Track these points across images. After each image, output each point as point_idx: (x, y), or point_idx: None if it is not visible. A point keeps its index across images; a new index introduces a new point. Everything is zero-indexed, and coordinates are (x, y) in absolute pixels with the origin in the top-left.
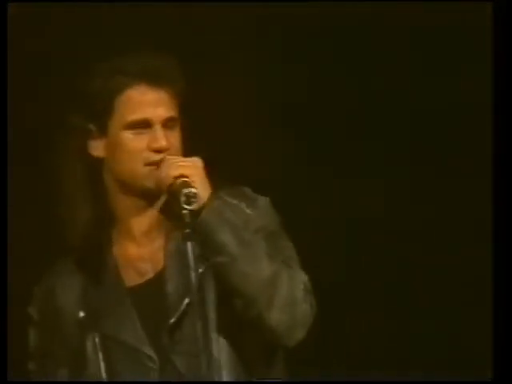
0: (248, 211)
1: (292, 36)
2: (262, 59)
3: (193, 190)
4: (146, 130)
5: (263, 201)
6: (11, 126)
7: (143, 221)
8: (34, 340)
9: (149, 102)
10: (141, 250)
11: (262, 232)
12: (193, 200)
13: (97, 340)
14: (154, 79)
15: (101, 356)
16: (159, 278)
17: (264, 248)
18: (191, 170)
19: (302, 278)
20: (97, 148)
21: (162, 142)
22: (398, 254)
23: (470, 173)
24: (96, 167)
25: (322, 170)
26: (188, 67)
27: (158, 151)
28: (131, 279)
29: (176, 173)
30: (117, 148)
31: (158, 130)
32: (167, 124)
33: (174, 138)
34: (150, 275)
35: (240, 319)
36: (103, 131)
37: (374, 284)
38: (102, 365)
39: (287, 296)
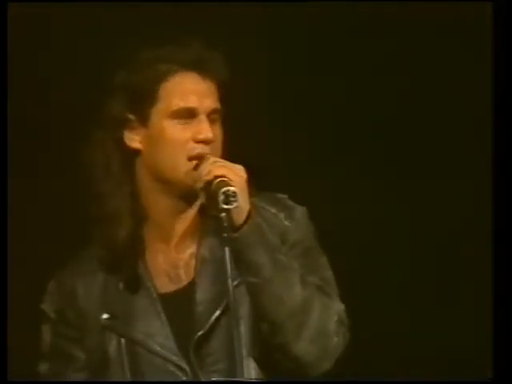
0: (286, 223)
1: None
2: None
3: (232, 188)
4: (190, 120)
5: (300, 211)
6: (11, 125)
7: (178, 223)
8: (47, 339)
9: (196, 91)
10: (174, 255)
11: (299, 247)
12: (232, 199)
13: (123, 344)
14: (203, 68)
15: (126, 361)
16: (191, 287)
17: (298, 271)
18: (234, 177)
19: (337, 307)
20: (135, 139)
21: (208, 133)
22: (398, 253)
23: (470, 173)
24: (131, 161)
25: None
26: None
27: (203, 142)
28: (163, 285)
29: (218, 172)
30: (158, 139)
31: (204, 121)
32: (211, 116)
33: (217, 132)
34: (183, 283)
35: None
36: (144, 121)
37: (373, 283)
38: (127, 370)
39: (318, 327)
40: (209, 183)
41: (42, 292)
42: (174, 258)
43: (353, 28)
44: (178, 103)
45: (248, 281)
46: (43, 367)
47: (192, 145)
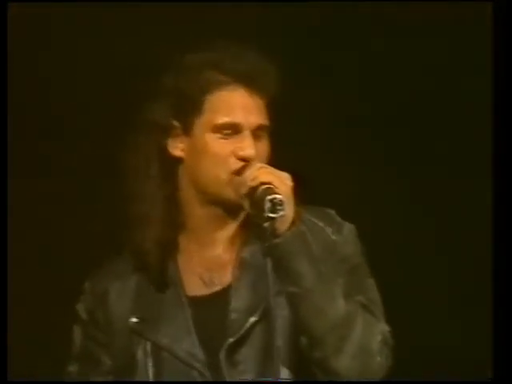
0: (333, 237)
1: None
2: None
3: (279, 196)
4: (234, 135)
5: (348, 228)
6: (11, 125)
7: (218, 232)
8: (78, 340)
9: (242, 106)
10: (210, 260)
11: (346, 263)
12: (278, 208)
13: (148, 348)
14: (254, 83)
15: (151, 365)
16: (226, 292)
17: (341, 285)
18: (281, 185)
19: (382, 327)
20: (178, 147)
21: (251, 151)
22: (398, 253)
23: (470, 172)
24: (173, 167)
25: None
26: None
27: (244, 160)
28: (195, 288)
29: (265, 179)
30: (201, 151)
31: (247, 137)
32: (256, 132)
33: (262, 149)
34: (217, 287)
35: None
36: (187, 130)
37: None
38: (151, 374)
39: (360, 343)
40: (253, 189)
41: (42, 292)
42: (210, 262)
43: (352, 28)
44: (223, 118)
45: (288, 290)
46: (72, 368)
47: (233, 160)
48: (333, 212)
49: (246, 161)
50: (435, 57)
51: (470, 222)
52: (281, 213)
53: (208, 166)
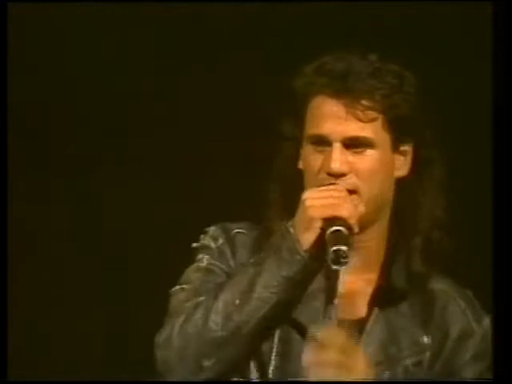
0: (473, 325)
1: None
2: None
3: (343, 248)
4: (326, 147)
5: (488, 322)
6: (11, 126)
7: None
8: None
9: (333, 116)
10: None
11: (479, 363)
12: (342, 260)
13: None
14: (346, 88)
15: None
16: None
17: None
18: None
19: None
20: (299, 159)
21: (336, 164)
22: None
23: (469, 172)
24: (297, 181)
25: None
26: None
27: (333, 175)
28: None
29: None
30: (303, 164)
31: (336, 149)
32: (352, 144)
33: (361, 164)
34: (362, 314)
35: None
36: (301, 141)
37: None
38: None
39: None
40: (323, 229)
41: (41, 292)
42: (353, 286)
43: (352, 28)
44: (312, 129)
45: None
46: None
47: (323, 175)
48: (471, 294)
49: (335, 176)
50: (435, 57)
51: (470, 222)
52: (344, 266)
53: (305, 182)
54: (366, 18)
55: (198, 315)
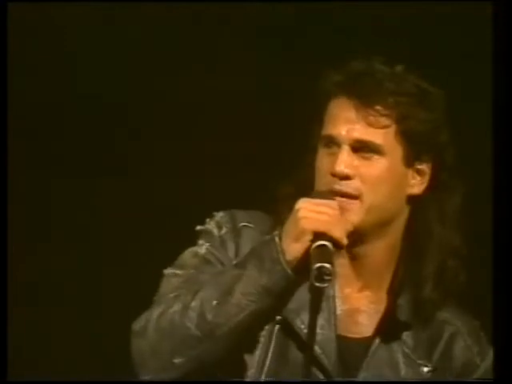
0: (477, 360)
1: None
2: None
3: (327, 265)
4: (337, 149)
5: (491, 355)
6: (11, 126)
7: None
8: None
9: (344, 118)
10: (361, 299)
11: None
12: (326, 278)
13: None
14: (360, 91)
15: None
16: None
17: None
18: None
19: None
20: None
21: (341, 166)
22: None
23: (470, 172)
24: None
25: None
26: None
27: (339, 178)
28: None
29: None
30: (316, 164)
31: (343, 152)
32: (360, 148)
33: (368, 169)
34: (368, 333)
35: None
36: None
37: None
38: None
39: None
40: (310, 244)
41: (41, 292)
42: (361, 302)
43: (352, 28)
44: (323, 130)
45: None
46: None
47: (329, 178)
48: (478, 325)
49: (341, 179)
50: (435, 57)
51: (470, 222)
52: (326, 284)
53: (315, 182)
54: (366, 18)
55: (175, 308)
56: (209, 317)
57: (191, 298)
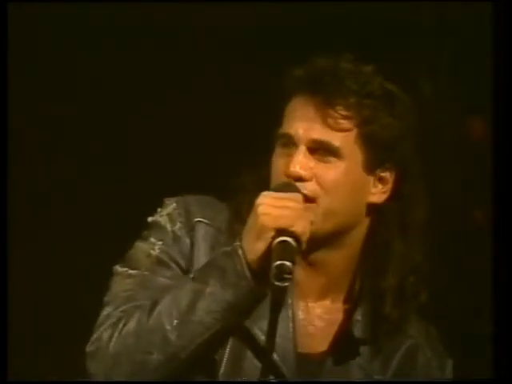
0: (436, 372)
1: None
2: None
3: (287, 263)
4: (292, 149)
5: (450, 366)
6: (11, 126)
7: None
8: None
9: (303, 116)
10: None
11: None
12: (286, 276)
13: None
14: (320, 89)
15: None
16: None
17: None
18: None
19: None
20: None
21: (295, 167)
22: None
23: (469, 171)
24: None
25: None
26: None
27: (293, 179)
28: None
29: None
30: (272, 164)
31: (299, 152)
32: (318, 149)
33: (324, 172)
34: (323, 348)
35: None
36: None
37: None
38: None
39: None
40: (272, 239)
41: (41, 292)
42: (318, 312)
43: (351, 28)
44: (281, 128)
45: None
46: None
47: (284, 179)
48: (435, 332)
49: (295, 180)
50: (435, 57)
51: (470, 222)
52: (287, 283)
53: (271, 183)
54: (365, 18)
55: (131, 327)
56: (171, 340)
57: (147, 316)
